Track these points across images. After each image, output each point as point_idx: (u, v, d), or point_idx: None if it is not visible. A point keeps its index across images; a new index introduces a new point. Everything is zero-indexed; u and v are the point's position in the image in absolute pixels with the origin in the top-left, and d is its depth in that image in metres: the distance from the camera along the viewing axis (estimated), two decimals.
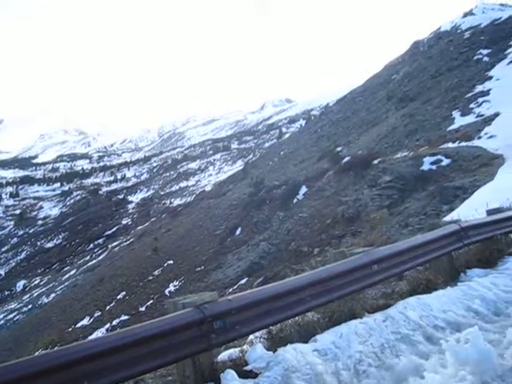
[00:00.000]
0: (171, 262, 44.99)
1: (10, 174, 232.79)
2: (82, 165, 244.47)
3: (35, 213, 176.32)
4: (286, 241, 32.10)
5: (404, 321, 5.62)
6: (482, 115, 34.44)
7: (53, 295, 69.10)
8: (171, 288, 38.34)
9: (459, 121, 36.03)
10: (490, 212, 10.09)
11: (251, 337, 5.52)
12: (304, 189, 39.29)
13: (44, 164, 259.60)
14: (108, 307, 42.27)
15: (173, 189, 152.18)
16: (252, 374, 4.64)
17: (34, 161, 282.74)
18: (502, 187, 15.98)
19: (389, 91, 62.71)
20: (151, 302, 37.89)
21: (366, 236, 20.16)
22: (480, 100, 37.12)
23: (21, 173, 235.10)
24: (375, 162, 33.45)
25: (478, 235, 8.66)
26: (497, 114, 32.57)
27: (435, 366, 4.56)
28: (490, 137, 29.39)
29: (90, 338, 33.87)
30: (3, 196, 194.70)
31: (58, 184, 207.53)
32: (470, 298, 6.38)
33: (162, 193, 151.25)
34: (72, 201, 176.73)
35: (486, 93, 37.93)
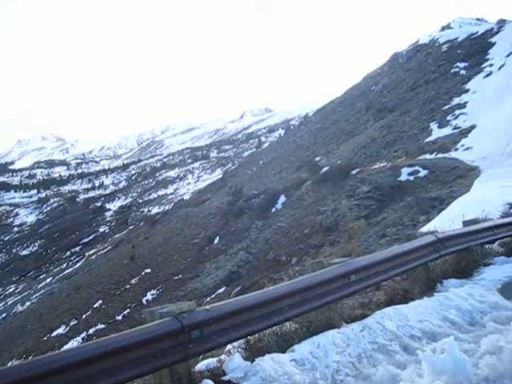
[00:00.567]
0: (149, 270, 44.70)
1: None
2: (60, 171, 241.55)
3: (11, 220, 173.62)
4: (264, 250, 32.13)
5: (381, 331, 5.65)
6: (458, 127, 34.94)
7: (28, 303, 68.18)
8: (149, 297, 38.09)
9: (436, 132, 36.49)
10: (466, 223, 10.23)
11: (229, 346, 5.50)
12: (283, 198, 39.42)
13: (21, 170, 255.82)
14: (84, 316, 41.82)
15: (151, 197, 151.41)
16: None
17: (11, 167, 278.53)
18: (478, 198, 16.21)
19: (368, 102, 63.26)
20: (128, 310, 37.57)
21: (344, 246, 20.30)
22: (457, 112, 37.65)
23: None
24: (354, 172, 33.73)
25: (455, 246, 8.76)
26: (473, 127, 33.06)
27: (412, 375, 4.59)
28: (467, 149, 29.82)
29: (66, 347, 33.62)
30: None
31: (35, 191, 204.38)
32: (446, 308, 6.44)
33: (141, 201, 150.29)
34: (49, 208, 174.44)
35: (463, 105, 38.49)
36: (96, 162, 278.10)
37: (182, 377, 4.56)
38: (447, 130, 35.65)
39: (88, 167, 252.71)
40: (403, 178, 28.38)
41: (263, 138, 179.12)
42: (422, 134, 37.89)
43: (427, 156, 31.49)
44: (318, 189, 36.03)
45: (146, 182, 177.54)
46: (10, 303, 77.86)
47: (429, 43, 71.45)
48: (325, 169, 39.20)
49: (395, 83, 63.12)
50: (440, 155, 30.66)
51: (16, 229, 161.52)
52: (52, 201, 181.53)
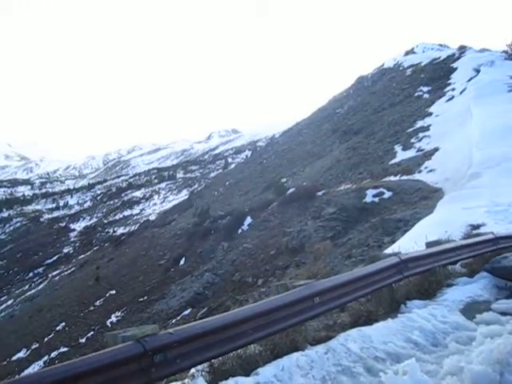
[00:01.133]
0: (114, 291, 44.07)
1: None
2: (23, 191, 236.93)
3: None
4: (230, 271, 32.04)
5: (345, 353, 5.67)
6: (422, 150, 35.56)
7: None
8: (113, 319, 37.50)
9: (401, 155, 37.07)
10: (429, 244, 10.36)
11: (193, 370, 5.44)
12: (249, 219, 39.45)
13: None
14: (46, 339, 40.90)
15: (116, 217, 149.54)
16: None
17: None
18: (441, 220, 16.46)
19: (333, 124, 64.14)
20: (92, 333, 36.92)
21: (310, 267, 20.30)
22: (420, 135, 38.36)
23: None
24: (319, 193, 33.98)
25: (418, 267, 8.85)
26: (436, 149, 33.68)
27: None
28: (430, 171, 30.34)
29: (27, 371, 32.76)
30: None
31: None
32: (410, 330, 6.49)
33: (106, 221, 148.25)
34: (11, 228, 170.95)
35: (426, 128, 39.24)
36: (61, 181, 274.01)
37: None
38: (411, 153, 36.24)
39: (53, 187, 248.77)
40: (368, 199, 28.73)
41: (230, 159, 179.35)
42: (386, 156, 38.45)
43: (392, 178, 31.95)
44: (284, 210, 36.17)
45: (112, 202, 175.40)
46: None
47: (393, 67, 73.13)
48: (291, 190, 39.38)
49: (361, 106, 64.21)
50: (404, 177, 31.13)
51: None
52: (15, 220, 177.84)
